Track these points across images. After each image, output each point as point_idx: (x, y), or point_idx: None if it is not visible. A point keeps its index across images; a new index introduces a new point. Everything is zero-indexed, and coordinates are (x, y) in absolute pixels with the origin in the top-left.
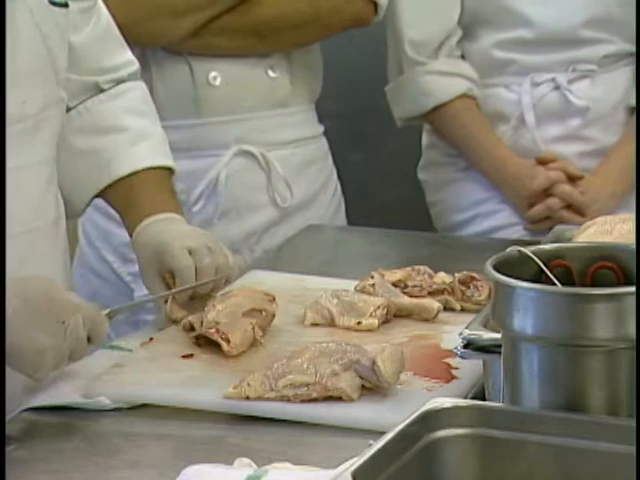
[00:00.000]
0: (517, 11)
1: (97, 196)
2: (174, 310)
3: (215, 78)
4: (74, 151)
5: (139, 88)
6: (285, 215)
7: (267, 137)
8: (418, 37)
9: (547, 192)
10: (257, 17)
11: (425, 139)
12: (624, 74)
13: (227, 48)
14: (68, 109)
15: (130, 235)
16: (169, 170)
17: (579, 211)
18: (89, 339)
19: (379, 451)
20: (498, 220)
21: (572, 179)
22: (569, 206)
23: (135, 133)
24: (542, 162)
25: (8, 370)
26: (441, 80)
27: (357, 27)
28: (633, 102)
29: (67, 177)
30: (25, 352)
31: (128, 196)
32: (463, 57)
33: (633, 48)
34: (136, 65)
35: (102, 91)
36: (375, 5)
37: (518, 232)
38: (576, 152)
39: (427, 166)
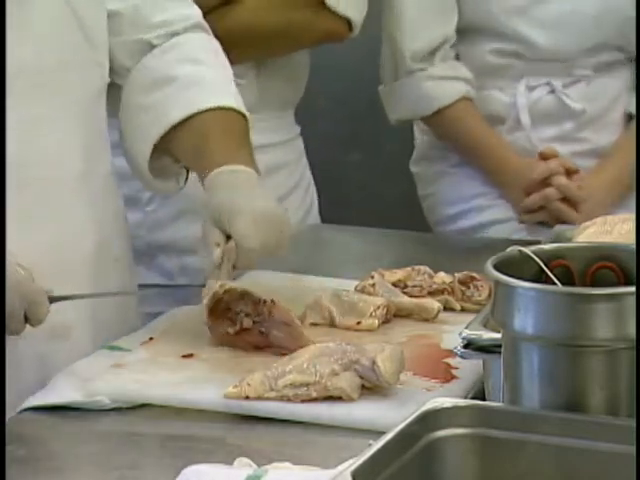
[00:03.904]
0: (515, 32)
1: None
2: (226, 277)
3: None
4: (135, 110)
5: (198, 39)
6: None
7: None
8: (415, 48)
9: (545, 182)
10: (226, 27)
11: (417, 132)
12: (619, 76)
13: None
14: (127, 70)
15: (201, 182)
16: (238, 113)
17: (574, 205)
18: (27, 319)
19: (379, 451)
20: (490, 215)
21: (569, 173)
22: (564, 200)
23: (187, 79)
24: (544, 157)
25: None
26: (441, 85)
27: (330, 43)
28: (631, 109)
29: (131, 138)
30: None
31: (193, 143)
32: (457, 56)
33: (629, 55)
34: (195, 19)
35: (155, 47)
36: (349, 22)
37: (510, 227)
38: (570, 152)
39: (420, 159)
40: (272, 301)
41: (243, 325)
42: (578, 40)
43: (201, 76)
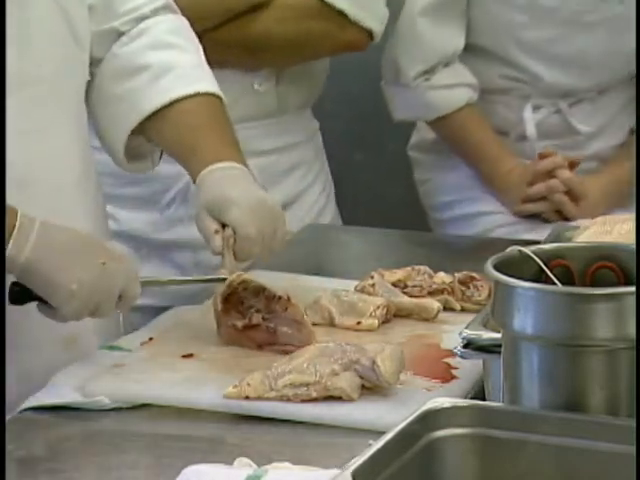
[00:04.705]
0: (523, 66)
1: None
2: (232, 265)
3: None
4: (108, 99)
5: (167, 20)
6: None
7: (248, 146)
8: (419, 69)
9: (549, 175)
10: (247, 35)
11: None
12: (623, 91)
13: (217, 60)
14: (99, 60)
15: (192, 178)
16: (214, 96)
17: (575, 199)
18: (120, 297)
19: (379, 451)
20: (485, 205)
21: (571, 167)
22: (566, 193)
23: (158, 68)
24: (543, 158)
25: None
26: (444, 93)
27: (350, 52)
28: (633, 124)
29: (106, 127)
30: (57, 282)
31: (176, 136)
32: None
33: (631, 73)
34: (162, 0)
35: (124, 34)
36: (370, 32)
37: (505, 218)
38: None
39: (419, 144)
40: (288, 298)
41: (252, 321)
42: (585, 79)
43: (174, 62)
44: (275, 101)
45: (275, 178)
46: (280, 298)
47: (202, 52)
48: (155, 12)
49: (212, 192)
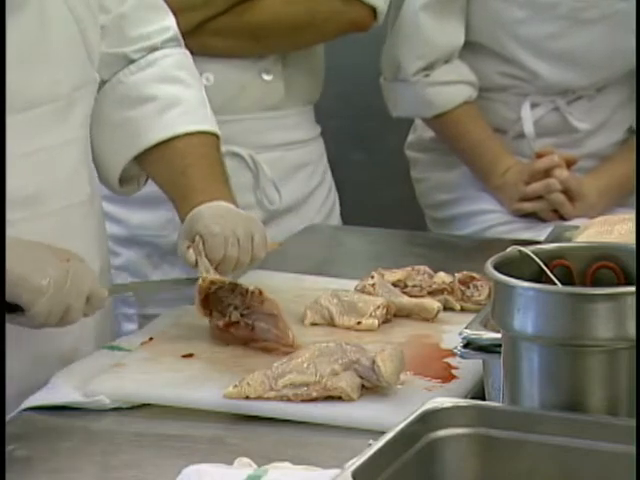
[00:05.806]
0: (523, 63)
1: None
2: (206, 267)
3: (208, 78)
4: (109, 124)
5: (174, 54)
6: (273, 217)
7: (258, 139)
8: (418, 65)
9: (547, 174)
10: (252, 19)
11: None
12: (621, 88)
13: (222, 48)
14: (103, 82)
15: (180, 219)
16: (212, 134)
17: (571, 198)
18: (87, 300)
19: (379, 451)
20: (482, 204)
21: (568, 165)
22: (563, 192)
23: (164, 101)
24: (541, 157)
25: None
26: (443, 90)
27: (355, 32)
28: (633, 124)
29: (103, 150)
30: (26, 279)
31: (169, 173)
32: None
33: (631, 71)
34: (172, 32)
35: (133, 62)
36: (374, 10)
37: (502, 217)
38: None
39: (416, 143)
40: (260, 292)
41: (231, 318)
42: (584, 76)
43: (179, 97)
44: (282, 90)
45: (284, 174)
46: (253, 293)
47: (203, 88)
48: (165, 44)
49: (189, 217)
